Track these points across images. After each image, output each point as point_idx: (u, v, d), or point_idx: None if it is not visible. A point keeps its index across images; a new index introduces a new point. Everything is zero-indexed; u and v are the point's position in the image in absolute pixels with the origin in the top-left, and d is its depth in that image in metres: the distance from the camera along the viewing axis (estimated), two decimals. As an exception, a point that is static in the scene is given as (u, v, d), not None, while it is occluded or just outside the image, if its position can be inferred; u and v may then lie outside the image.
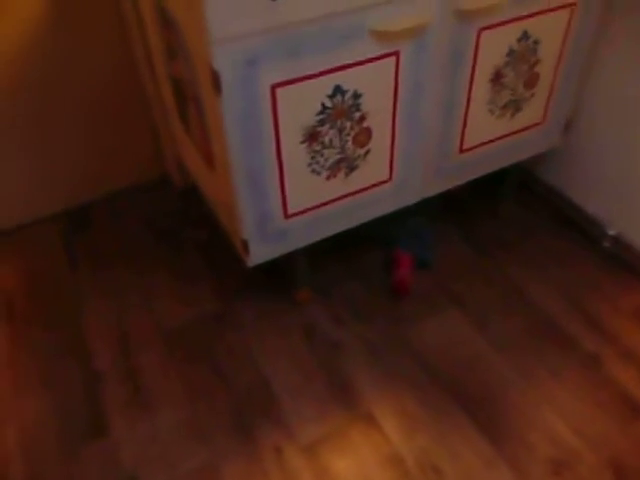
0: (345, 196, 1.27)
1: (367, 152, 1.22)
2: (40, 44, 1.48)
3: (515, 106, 1.38)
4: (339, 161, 1.20)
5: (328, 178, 1.21)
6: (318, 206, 1.24)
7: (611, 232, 1.56)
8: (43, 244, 1.69)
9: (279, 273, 1.54)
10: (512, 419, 1.24)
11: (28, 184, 1.68)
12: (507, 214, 1.72)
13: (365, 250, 1.62)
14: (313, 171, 1.18)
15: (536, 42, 1.29)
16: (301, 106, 1.07)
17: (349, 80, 1.09)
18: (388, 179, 1.31)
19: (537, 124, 1.47)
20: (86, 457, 1.20)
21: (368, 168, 1.25)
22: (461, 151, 1.38)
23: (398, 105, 1.19)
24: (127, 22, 1.53)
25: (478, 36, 1.20)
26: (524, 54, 1.30)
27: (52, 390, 1.32)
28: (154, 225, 1.73)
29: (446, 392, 1.29)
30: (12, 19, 1.42)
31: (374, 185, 1.30)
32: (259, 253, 1.24)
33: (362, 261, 1.59)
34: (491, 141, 1.41)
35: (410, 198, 1.39)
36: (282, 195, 1.17)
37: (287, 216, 1.22)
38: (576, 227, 1.66)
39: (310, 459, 1.18)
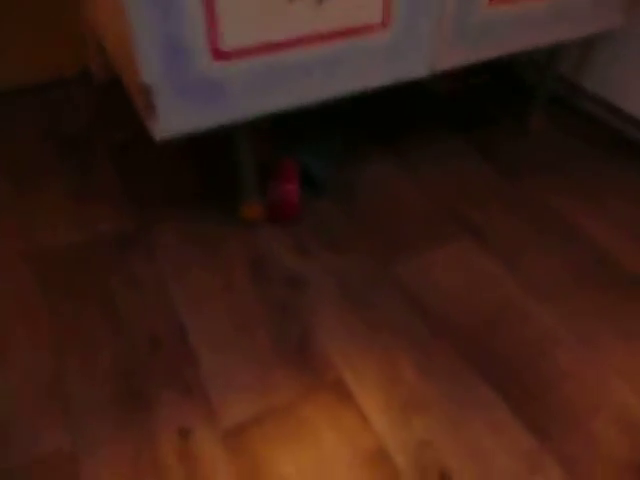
0: (314, 39, 0.81)
1: (351, -38, 0.77)
2: None
3: (573, -59, 0.94)
4: (305, -34, 0.74)
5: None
6: (272, 47, 0.78)
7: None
8: None
9: (223, 184, 1.08)
10: (567, 398, 0.78)
11: None
12: (541, 132, 1.27)
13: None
14: (261, -25, 0.72)
15: None
16: None
17: None
18: (381, 24, 0.85)
19: (598, -18, 1.02)
20: None
21: (352, -6, 0.80)
22: (491, 1, 0.93)
23: None
24: None
25: None
26: None
27: None
28: (60, 128, 1.25)
29: (459, 354, 0.83)
30: None
31: (360, 30, 0.84)
32: (174, 118, 0.77)
33: (344, 167, 1.14)
34: (534, -6, 0.96)
35: (413, 67, 0.93)
36: (208, 13, 0.71)
37: (219, 55, 0.75)
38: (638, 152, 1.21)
39: (233, 450, 0.71)
